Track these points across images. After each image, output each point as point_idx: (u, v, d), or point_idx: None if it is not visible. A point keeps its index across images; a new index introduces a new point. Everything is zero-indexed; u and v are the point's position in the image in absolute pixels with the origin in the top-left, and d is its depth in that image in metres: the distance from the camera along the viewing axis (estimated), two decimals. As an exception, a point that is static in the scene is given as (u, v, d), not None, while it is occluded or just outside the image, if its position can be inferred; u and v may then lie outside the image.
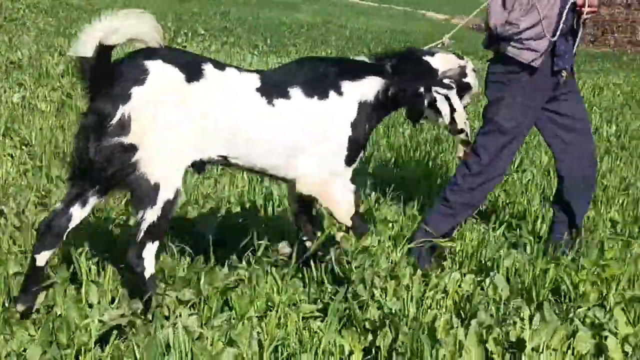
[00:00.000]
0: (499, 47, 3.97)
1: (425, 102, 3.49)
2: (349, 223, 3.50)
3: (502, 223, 4.63)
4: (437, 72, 3.51)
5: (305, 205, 3.62)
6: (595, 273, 3.68)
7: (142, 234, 3.11)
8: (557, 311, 3.41)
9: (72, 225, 3.13)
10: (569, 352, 3.12)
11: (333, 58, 3.47)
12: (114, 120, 2.97)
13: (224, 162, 3.31)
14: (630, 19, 24.71)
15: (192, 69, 3.11)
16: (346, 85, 3.37)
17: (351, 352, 3.07)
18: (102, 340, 2.92)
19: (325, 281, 3.54)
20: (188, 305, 3.30)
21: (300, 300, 3.39)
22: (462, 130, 3.54)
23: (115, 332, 2.94)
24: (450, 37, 3.99)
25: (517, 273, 3.76)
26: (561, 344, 3.12)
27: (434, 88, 3.47)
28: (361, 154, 3.54)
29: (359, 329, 3.20)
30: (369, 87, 3.42)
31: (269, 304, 3.35)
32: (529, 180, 5.89)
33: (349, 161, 3.43)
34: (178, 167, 3.14)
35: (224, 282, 3.38)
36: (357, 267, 3.54)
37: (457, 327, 3.13)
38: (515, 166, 6.22)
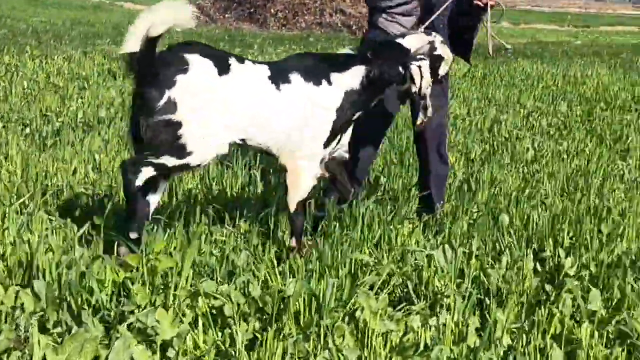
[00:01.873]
0: (373, 17, 4.32)
1: (405, 78, 3.93)
2: (293, 208, 3.87)
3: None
4: (410, 50, 3.95)
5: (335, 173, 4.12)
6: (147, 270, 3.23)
7: (145, 159, 3.44)
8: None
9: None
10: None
11: (323, 53, 4.29)
12: (161, 102, 3.39)
13: (243, 144, 3.69)
14: (319, 2, 25.44)
15: (222, 63, 3.54)
16: (334, 76, 3.81)
17: None
18: None
19: None
20: None
21: None
22: (424, 97, 3.97)
23: None
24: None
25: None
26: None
27: (409, 64, 3.91)
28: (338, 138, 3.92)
29: None
30: (354, 77, 3.83)
31: None
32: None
33: (326, 144, 3.83)
34: (214, 144, 3.53)
35: None
36: None
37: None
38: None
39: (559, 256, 3.94)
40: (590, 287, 3.56)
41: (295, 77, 3.74)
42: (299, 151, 3.79)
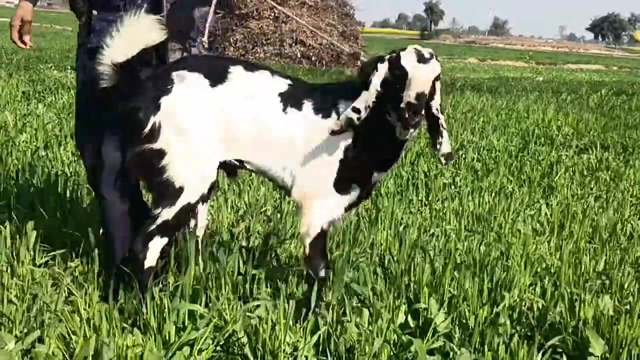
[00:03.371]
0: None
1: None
2: (307, 251, 3.33)
3: None
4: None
5: None
6: None
7: (153, 227, 3.20)
8: None
9: None
10: None
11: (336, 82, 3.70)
12: (146, 130, 3.11)
13: (240, 165, 3.32)
14: (279, 32, 25.09)
15: (217, 74, 3.19)
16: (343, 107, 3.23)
17: None
18: None
19: None
20: None
21: None
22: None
23: None
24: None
25: None
26: None
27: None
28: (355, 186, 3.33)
29: None
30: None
31: None
32: None
33: (337, 187, 3.28)
34: (204, 172, 3.20)
35: None
36: None
37: None
38: None
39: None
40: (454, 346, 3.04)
41: (306, 105, 3.27)
42: (309, 189, 3.29)
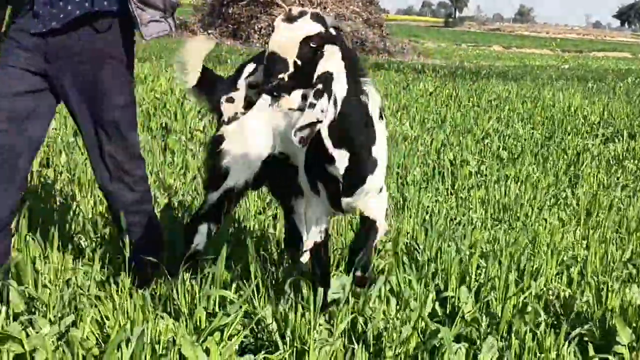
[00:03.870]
0: None
1: None
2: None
3: None
4: None
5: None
6: None
7: (201, 211, 3.40)
8: None
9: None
10: None
11: None
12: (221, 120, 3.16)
13: (286, 158, 3.28)
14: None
15: None
16: None
17: None
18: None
19: None
20: None
21: None
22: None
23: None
24: None
25: None
26: None
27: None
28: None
29: None
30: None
31: None
32: None
33: (310, 184, 3.12)
34: (250, 161, 3.28)
35: None
36: None
37: None
38: None
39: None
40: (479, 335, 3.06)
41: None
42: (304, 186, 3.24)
